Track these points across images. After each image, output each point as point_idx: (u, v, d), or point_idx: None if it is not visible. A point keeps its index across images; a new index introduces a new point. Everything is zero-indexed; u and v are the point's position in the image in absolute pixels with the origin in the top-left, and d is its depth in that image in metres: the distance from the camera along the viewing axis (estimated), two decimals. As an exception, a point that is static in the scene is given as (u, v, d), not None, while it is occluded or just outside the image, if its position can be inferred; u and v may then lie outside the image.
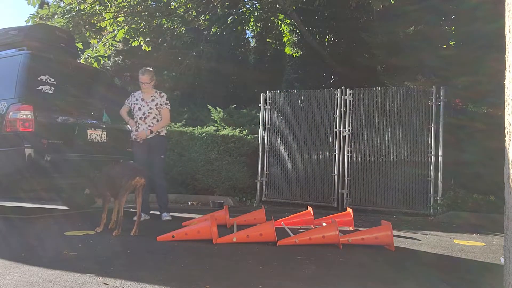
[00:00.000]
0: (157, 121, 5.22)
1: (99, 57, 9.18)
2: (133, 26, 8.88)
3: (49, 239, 3.96)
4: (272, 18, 11.65)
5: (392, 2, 7.02)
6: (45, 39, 5.69)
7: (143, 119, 5.18)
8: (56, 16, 8.43)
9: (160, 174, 5.28)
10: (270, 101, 7.49)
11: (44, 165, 4.75)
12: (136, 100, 5.25)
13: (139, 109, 5.21)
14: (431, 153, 6.37)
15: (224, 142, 7.50)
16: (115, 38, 9.14)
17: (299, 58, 11.87)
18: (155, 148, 5.23)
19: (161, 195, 5.30)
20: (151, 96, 5.25)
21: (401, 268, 3.19)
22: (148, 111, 5.18)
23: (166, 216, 5.16)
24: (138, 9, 8.64)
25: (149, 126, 5.17)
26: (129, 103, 5.32)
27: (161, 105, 5.24)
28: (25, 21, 8.42)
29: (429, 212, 6.22)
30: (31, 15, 8.46)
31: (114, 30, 9.07)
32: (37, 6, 8.40)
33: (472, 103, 7.17)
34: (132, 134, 5.30)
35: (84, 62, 8.92)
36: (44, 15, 8.52)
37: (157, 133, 5.23)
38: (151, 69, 5.32)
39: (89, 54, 9.18)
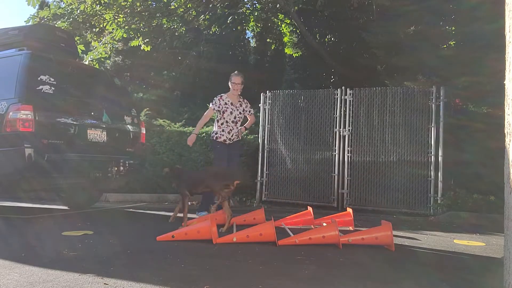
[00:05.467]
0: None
1: (102, 59, 9.21)
2: (133, 26, 8.89)
3: (49, 239, 3.96)
4: (272, 18, 11.65)
5: None
6: (45, 39, 5.70)
7: (235, 122, 5.36)
8: (59, 21, 8.45)
9: None
10: (270, 101, 7.49)
11: (44, 165, 4.75)
12: (226, 104, 5.33)
13: (231, 113, 5.34)
14: (431, 153, 6.37)
15: (224, 142, 7.50)
16: (114, 37, 9.14)
17: (299, 58, 11.87)
18: (236, 151, 5.50)
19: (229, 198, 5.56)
20: (239, 102, 5.42)
21: (401, 268, 3.19)
22: (239, 115, 5.40)
23: None
24: (138, 9, 8.64)
25: (238, 129, 5.42)
26: (217, 106, 5.33)
27: (248, 111, 5.53)
28: (25, 21, 8.44)
29: (429, 212, 6.21)
30: (31, 16, 8.48)
31: (113, 30, 9.09)
32: (37, 7, 8.42)
33: (472, 103, 7.16)
34: (220, 135, 5.32)
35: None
36: (45, 17, 8.54)
37: (238, 137, 5.45)
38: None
39: (91, 57, 9.22)
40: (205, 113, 5.45)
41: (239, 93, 5.46)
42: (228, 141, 5.33)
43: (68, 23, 8.33)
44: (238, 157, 5.61)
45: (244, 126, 5.61)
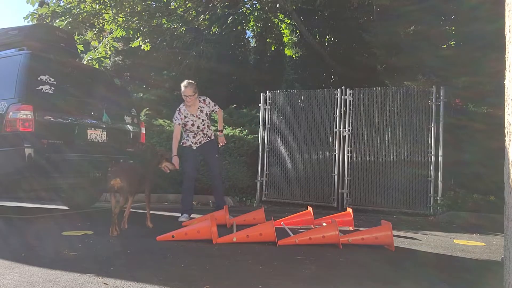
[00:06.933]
0: (209, 127, 5.40)
1: (101, 59, 9.20)
2: (132, 25, 8.88)
3: (49, 239, 3.96)
4: (272, 18, 11.65)
5: None
6: (45, 39, 5.69)
7: (200, 130, 5.27)
8: (57, 20, 8.44)
9: (219, 174, 5.63)
10: (270, 101, 7.49)
11: (44, 165, 4.75)
12: (186, 117, 5.22)
13: (193, 124, 5.24)
14: (431, 153, 6.37)
15: (224, 142, 7.51)
16: (114, 36, 9.13)
17: (299, 58, 11.88)
18: (210, 150, 5.37)
19: (221, 195, 5.55)
20: (198, 108, 5.25)
21: (401, 268, 3.19)
22: (202, 124, 5.26)
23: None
24: (138, 9, 8.64)
25: (205, 134, 5.31)
26: (180, 121, 5.22)
27: (213, 110, 5.40)
28: (24, 17, 8.42)
29: (429, 212, 6.21)
30: (30, 13, 8.46)
31: (111, 29, 9.08)
32: (36, 5, 8.42)
33: (472, 103, 7.16)
34: (186, 141, 5.30)
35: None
36: (44, 14, 8.54)
37: (208, 138, 5.35)
38: (193, 82, 5.28)
39: (91, 57, 9.21)
40: (174, 133, 5.28)
41: (192, 103, 5.20)
42: (194, 146, 5.28)
43: (67, 22, 8.31)
44: (215, 156, 5.44)
45: (220, 131, 5.50)
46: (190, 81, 5.27)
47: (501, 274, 2.20)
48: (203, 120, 5.28)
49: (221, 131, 5.54)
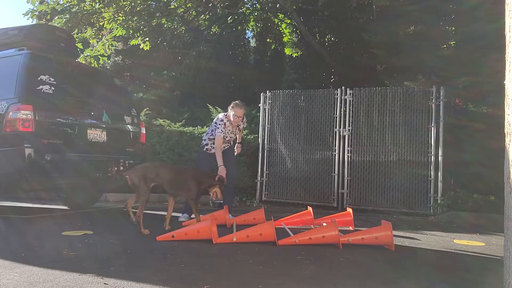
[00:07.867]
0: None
1: (99, 56, 9.17)
2: (132, 25, 8.87)
3: (49, 239, 3.96)
4: (272, 18, 11.64)
5: None
6: (45, 39, 5.69)
7: (226, 142, 5.45)
8: (56, 17, 8.44)
9: (235, 176, 5.75)
10: (270, 101, 7.49)
11: (44, 165, 4.75)
12: (227, 132, 5.37)
13: (229, 140, 5.47)
14: (431, 153, 6.37)
15: (224, 142, 7.51)
16: (113, 35, 9.12)
17: (299, 58, 11.86)
18: (229, 154, 5.53)
19: (232, 195, 5.73)
20: (238, 126, 5.49)
21: (401, 268, 3.19)
22: (232, 136, 5.49)
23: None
24: (138, 8, 8.63)
25: (228, 142, 5.49)
26: (222, 135, 5.30)
27: (242, 128, 5.66)
28: (23, 14, 8.41)
29: (429, 212, 6.22)
30: (30, 9, 8.45)
31: (111, 28, 9.07)
32: (37, 4, 8.43)
33: (472, 103, 7.16)
34: (211, 147, 5.39)
35: (84, 61, 8.92)
36: (43, 11, 8.54)
37: (229, 144, 5.53)
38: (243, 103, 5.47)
39: (88, 53, 9.19)
40: (218, 144, 5.27)
41: (237, 123, 5.40)
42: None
43: (66, 20, 8.30)
44: (233, 158, 5.65)
45: (239, 143, 5.75)
46: (243, 103, 5.41)
47: (501, 274, 2.20)
48: (235, 135, 5.54)
49: (240, 143, 5.81)
